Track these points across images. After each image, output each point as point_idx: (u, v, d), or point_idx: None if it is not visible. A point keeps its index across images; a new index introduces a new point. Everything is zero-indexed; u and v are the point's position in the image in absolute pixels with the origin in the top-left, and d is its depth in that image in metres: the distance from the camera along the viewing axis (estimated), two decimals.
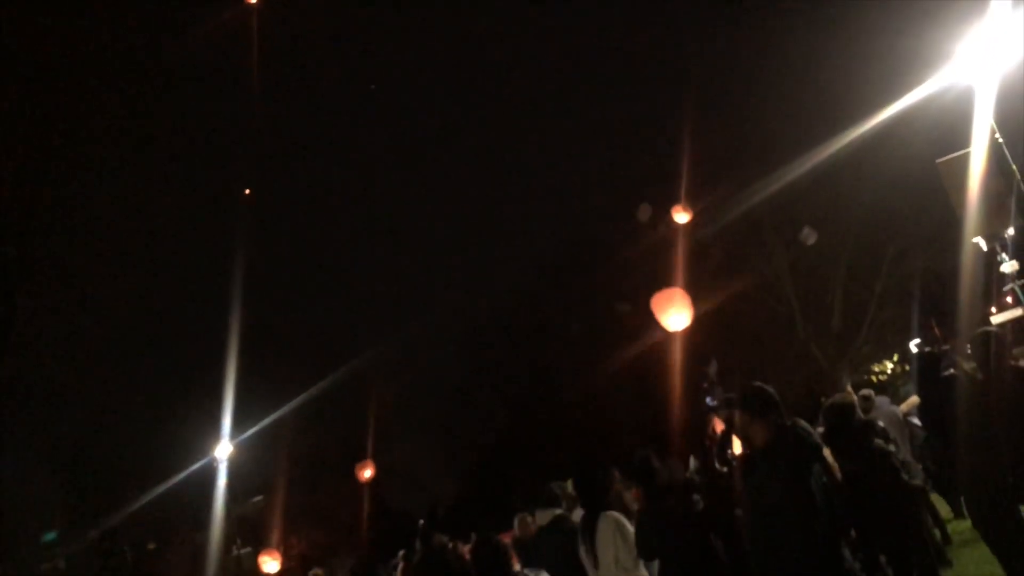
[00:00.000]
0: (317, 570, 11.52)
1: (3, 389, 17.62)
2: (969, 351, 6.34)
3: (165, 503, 24.33)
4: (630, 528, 5.63)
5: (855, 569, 4.46)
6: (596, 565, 5.56)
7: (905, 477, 6.45)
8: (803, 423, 4.56)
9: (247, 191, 22.03)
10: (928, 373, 6.66)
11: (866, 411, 8.52)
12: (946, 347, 13.15)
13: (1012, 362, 6.17)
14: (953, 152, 12.03)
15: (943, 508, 10.14)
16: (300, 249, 50.42)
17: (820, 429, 7.24)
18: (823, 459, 4.45)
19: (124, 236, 17.89)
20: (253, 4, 16.55)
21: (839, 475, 5.20)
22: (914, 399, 9.68)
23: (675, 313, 9.77)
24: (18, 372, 17.57)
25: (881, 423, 8.12)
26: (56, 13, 15.76)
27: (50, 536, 24.33)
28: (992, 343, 6.18)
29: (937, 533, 8.87)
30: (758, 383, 4.75)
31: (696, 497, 5.50)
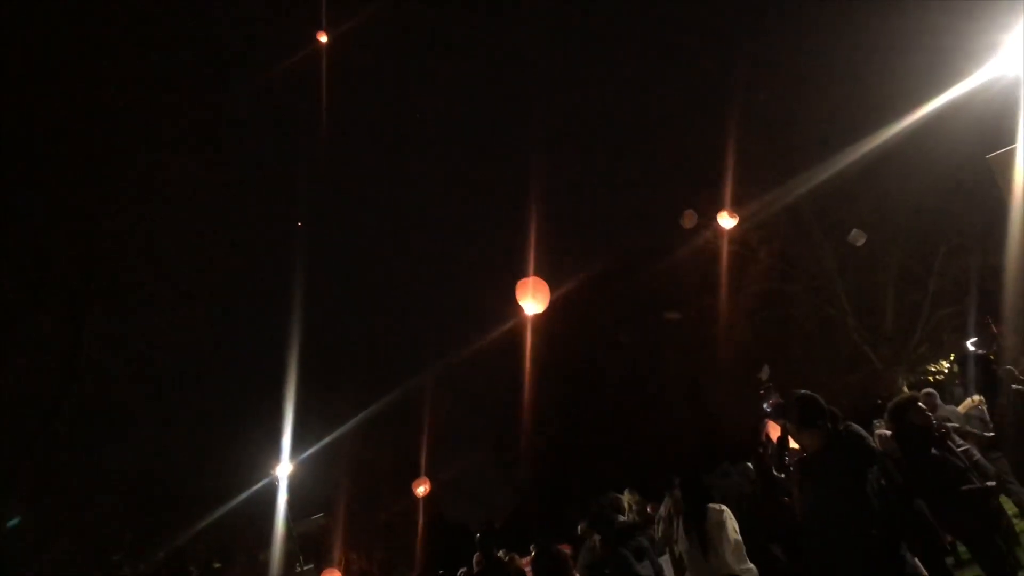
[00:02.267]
0: None
1: (71, 413, 18.15)
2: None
3: (229, 522, 24.78)
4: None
5: (919, 572, 4.42)
6: (704, 551, 5.84)
7: (974, 478, 6.35)
8: (856, 427, 4.56)
9: (299, 224, 22.55)
10: (987, 376, 6.58)
11: (931, 410, 8.44)
12: (1000, 345, 12.91)
13: None
14: (1003, 145, 11.85)
15: (1009, 507, 9.94)
16: (356, 270, 51.12)
17: (880, 431, 7.20)
18: (880, 462, 4.44)
19: (185, 262, 18.38)
20: (323, 44, 17.15)
21: (900, 477, 5.18)
22: (969, 401, 9.56)
23: (531, 299, 10.49)
24: (85, 396, 18.10)
25: (954, 423, 8.04)
26: (119, 40, 16.34)
27: (117, 556, 24.88)
28: None
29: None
30: (804, 391, 4.75)
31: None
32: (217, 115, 18.27)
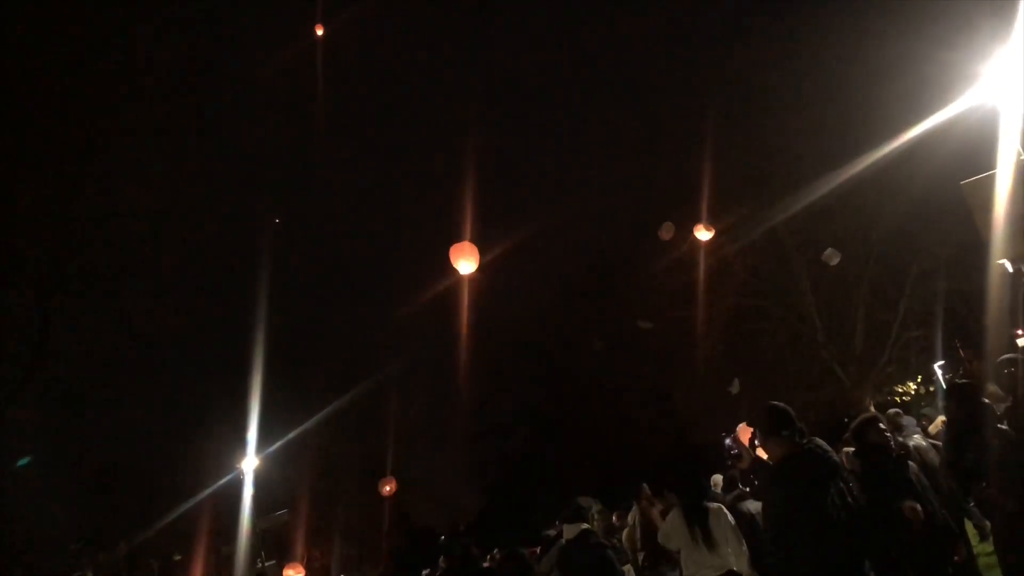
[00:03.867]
0: None
1: (35, 400, 17.88)
2: (994, 376, 6.36)
3: (192, 515, 24.54)
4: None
5: None
6: (710, 545, 5.94)
7: (928, 503, 6.43)
8: (820, 442, 4.63)
9: (276, 220, 22.47)
10: (960, 400, 6.61)
11: (896, 429, 8.54)
12: (967, 368, 13.05)
13: None
14: (978, 173, 12.03)
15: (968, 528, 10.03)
16: (326, 264, 50.86)
17: (846, 449, 7.28)
18: (844, 478, 4.49)
19: (154, 249, 18.18)
20: (319, 36, 17.09)
21: (862, 495, 5.22)
22: (940, 420, 9.66)
23: (464, 260, 11.88)
24: (50, 383, 17.83)
25: (924, 443, 8.17)
26: (102, 23, 16.14)
27: (76, 544, 24.58)
28: (1018, 369, 6.19)
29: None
30: (775, 402, 4.83)
31: None
32: (200, 105, 18.13)
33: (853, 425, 6.68)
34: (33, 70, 15.39)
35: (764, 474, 4.96)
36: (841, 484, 4.47)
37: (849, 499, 4.41)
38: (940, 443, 9.27)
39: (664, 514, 9.70)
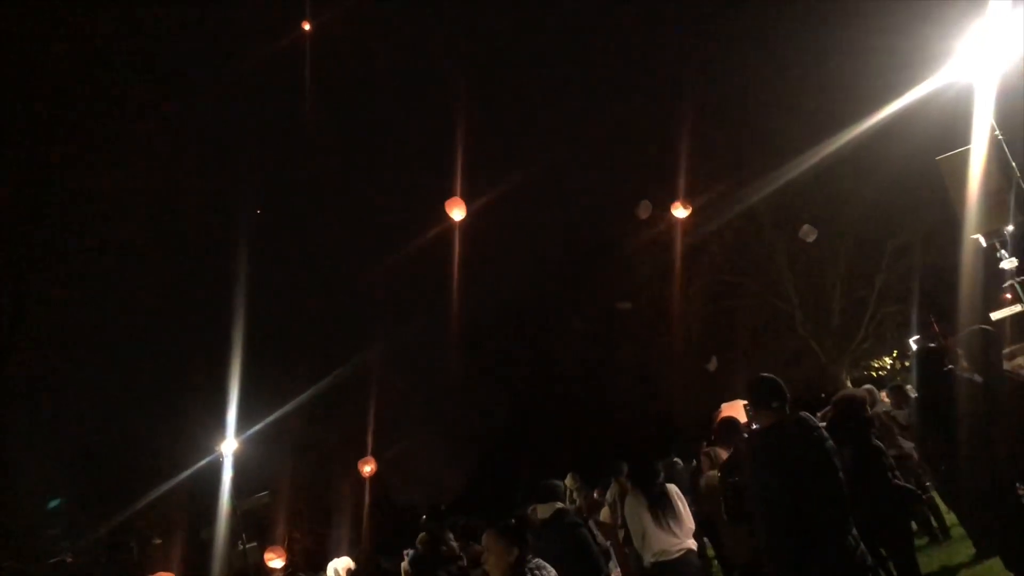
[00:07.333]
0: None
1: (12, 384, 17.67)
2: (963, 350, 6.42)
3: (171, 498, 24.41)
4: None
5: (864, 555, 4.48)
6: (670, 528, 6.18)
7: (896, 476, 6.53)
8: (807, 415, 4.68)
9: (257, 211, 22.33)
10: (929, 369, 6.69)
11: (871, 406, 8.64)
12: (941, 344, 13.22)
13: (1007, 362, 6.22)
14: (953, 149, 12.12)
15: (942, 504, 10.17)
16: (304, 245, 50.55)
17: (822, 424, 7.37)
18: (830, 450, 4.52)
19: (131, 234, 17.96)
20: (307, 31, 17.04)
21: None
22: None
23: (456, 209, 14.74)
24: (27, 368, 17.62)
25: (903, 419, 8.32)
26: (90, 5, 15.87)
27: (54, 529, 24.42)
28: (986, 341, 6.25)
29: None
30: (767, 374, 4.88)
31: None
32: (180, 84, 17.92)
33: (834, 399, 6.76)
34: (4, 49, 15.08)
35: (749, 440, 5.02)
36: (825, 456, 4.49)
37: (831, 472, 4.44)
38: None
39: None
